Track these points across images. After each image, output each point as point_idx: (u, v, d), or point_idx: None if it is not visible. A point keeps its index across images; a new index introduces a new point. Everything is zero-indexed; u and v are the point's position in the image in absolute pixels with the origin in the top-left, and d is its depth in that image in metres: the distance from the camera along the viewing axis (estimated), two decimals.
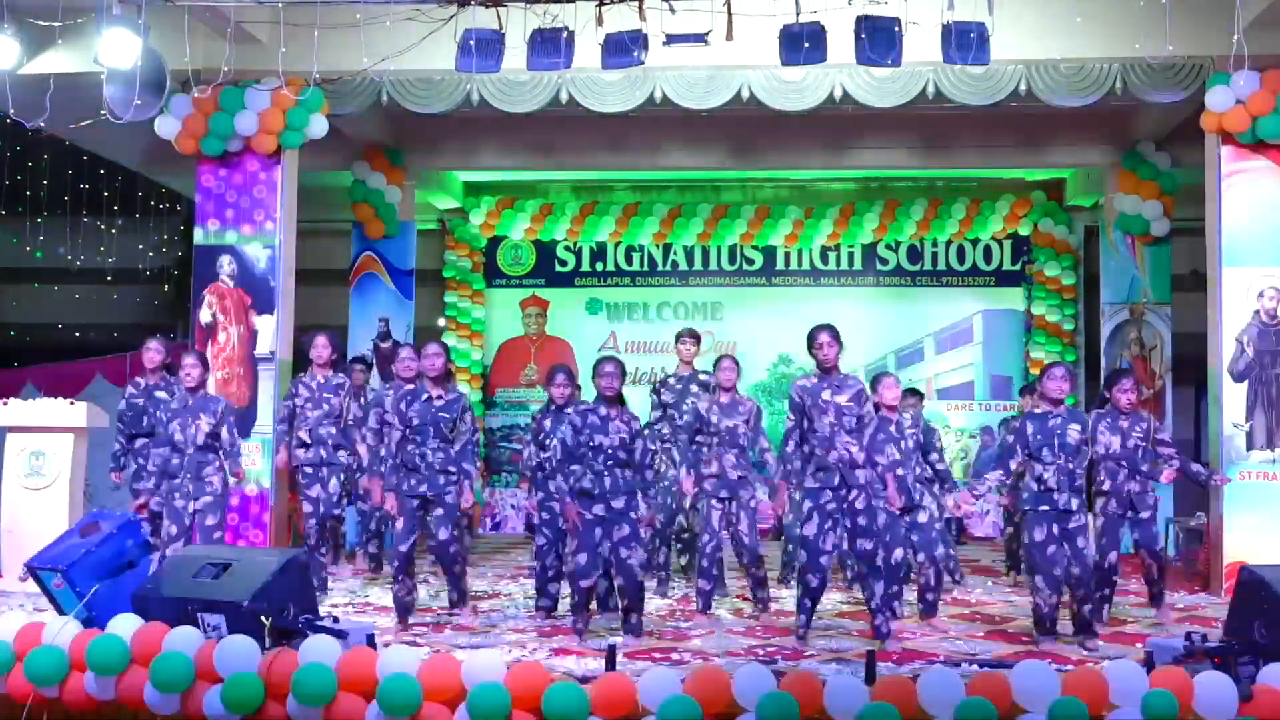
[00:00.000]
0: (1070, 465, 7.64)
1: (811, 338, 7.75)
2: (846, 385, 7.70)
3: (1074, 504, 7.61)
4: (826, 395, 7.63)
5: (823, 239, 15.45)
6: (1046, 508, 7.60)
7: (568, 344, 15.75)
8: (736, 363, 8.88)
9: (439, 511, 7.99)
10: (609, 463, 7.60)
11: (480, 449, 12.77)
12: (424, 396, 8.10)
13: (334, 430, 9.48)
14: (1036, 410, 7.92)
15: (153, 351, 9.84)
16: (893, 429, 8.38)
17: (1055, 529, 7.58)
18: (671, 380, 9.89)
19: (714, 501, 8.58)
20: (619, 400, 7.75)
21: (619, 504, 7.59)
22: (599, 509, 7.57)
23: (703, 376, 9.73)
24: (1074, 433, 7.68)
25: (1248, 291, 10.32)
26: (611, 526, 7.58)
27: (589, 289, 16.13)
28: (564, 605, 8.45)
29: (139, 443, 9.79)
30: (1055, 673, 5.46)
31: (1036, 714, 5.27)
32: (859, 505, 7.56)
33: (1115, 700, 5.36)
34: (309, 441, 9.46)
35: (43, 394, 12.84)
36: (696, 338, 9.99)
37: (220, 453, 8.53)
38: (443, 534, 8.01)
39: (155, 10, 9.63)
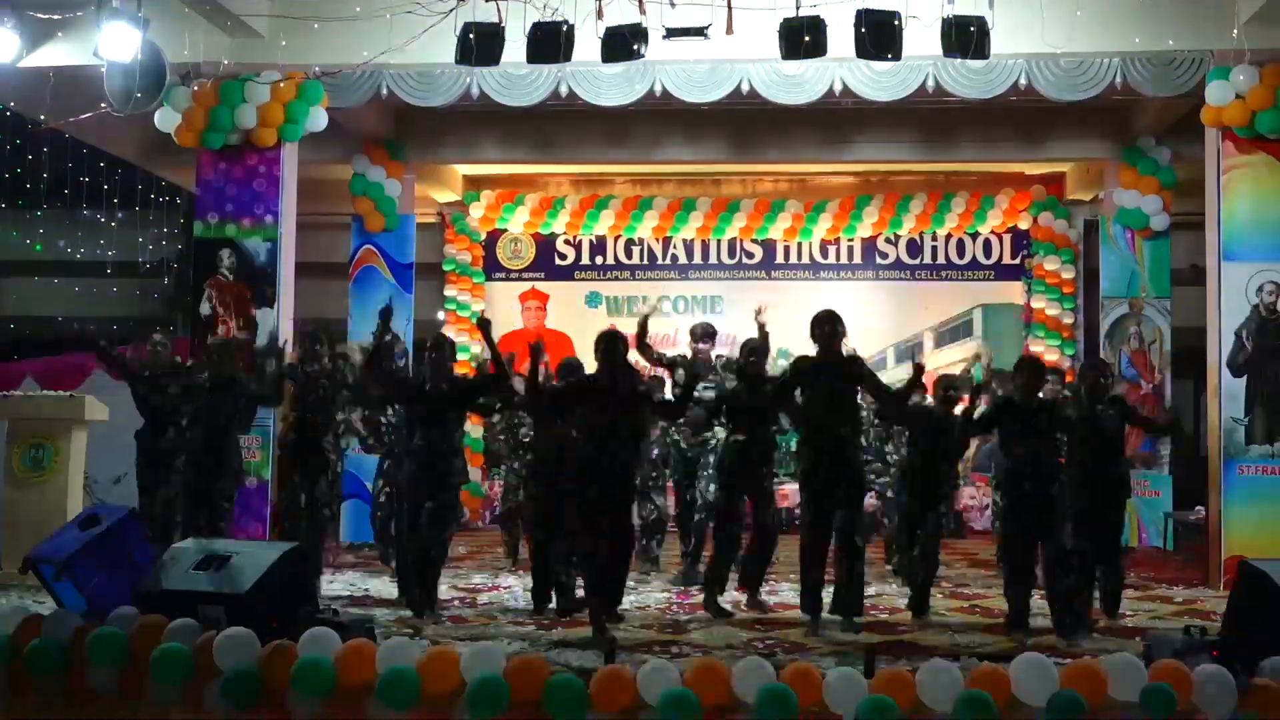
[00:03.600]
0: (1049, 457, 7.64)
1: (815, 322, 7.87)
2: (844, 368, 7.77)
3: (1053, 491, 7.64)
4: (824, 378, 7.70)
5: (822, 233, 15.47)
6: (1020, 493, 7.61)
7: (567, 337, 15.75)
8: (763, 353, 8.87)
9: (429, 505, 7.97)
10: (610, 435, 7.60)
11: (479, 442, 12.76)
12: (425, 386, 8.13)
13: (322, 417, 9.47)
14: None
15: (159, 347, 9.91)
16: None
17: (1033, 519, 7.57)
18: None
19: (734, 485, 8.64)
20: (623, 374, 7.76)
21: (621, 475, 7.62)
22: (603, 480, 7.58)
23: (716, 359, 9.81)
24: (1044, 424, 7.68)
25: (1247, 286, 10.33)
26: (612, 497, 7.58)
27: (589, 282, 16.15)
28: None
29: (146, 439, 9.85)
30: (1054, 666, 5.46)
31: (1035, 707, 5.27)
32: (844, 487, 7.62)
33: (1114, 694, 5.36)
34: (297, 424, 9.47)
35: (42, 387, 12.84)
36: (712, 336, 9.99)
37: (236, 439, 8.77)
38: (432, 532, 8.00)
39: (154, 3, 9.64)
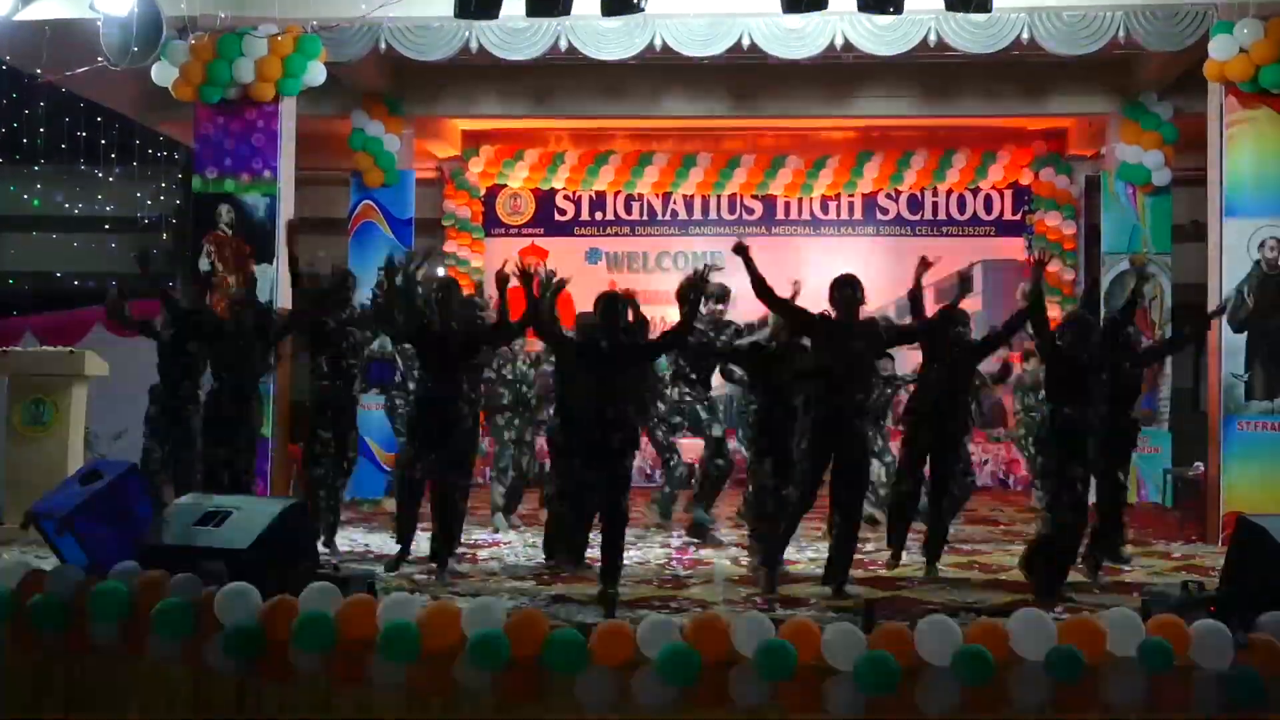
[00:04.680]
0: (1093, 411, 7.61)
1: (840, 287, 7.71)
2: (863, 333, 7.72)
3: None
4: (846, 342, 7.62)
5: (823, 188, 15.43)
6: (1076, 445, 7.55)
7: (567, 293, 15.71)
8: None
9: (443, 454, 7.99)
10: (612, 393, 7.54)
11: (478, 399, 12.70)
12: (436, 330, 8.12)
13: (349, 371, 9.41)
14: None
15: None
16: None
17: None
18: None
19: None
20: (627, 334, 7.70)
21: (619, 440, 7.51)
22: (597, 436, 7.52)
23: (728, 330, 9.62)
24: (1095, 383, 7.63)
25: (1248, 242, 10.29)
26: (607, 465, 7.57)
27: (588, 238, 16.12)
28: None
29: (158, 390, 9.75)
30: (1052, 621, 5.49)
31: (1033, 662, 5.30)
32: (854, 455, 7.60)
33: (1112, 648, 5.38)
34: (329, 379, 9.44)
35: (42, 342, 12.83)
36: (727, 297, 9.66)
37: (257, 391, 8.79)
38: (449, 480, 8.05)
39: None
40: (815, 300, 7.96)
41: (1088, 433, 7.55)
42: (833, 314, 7.73)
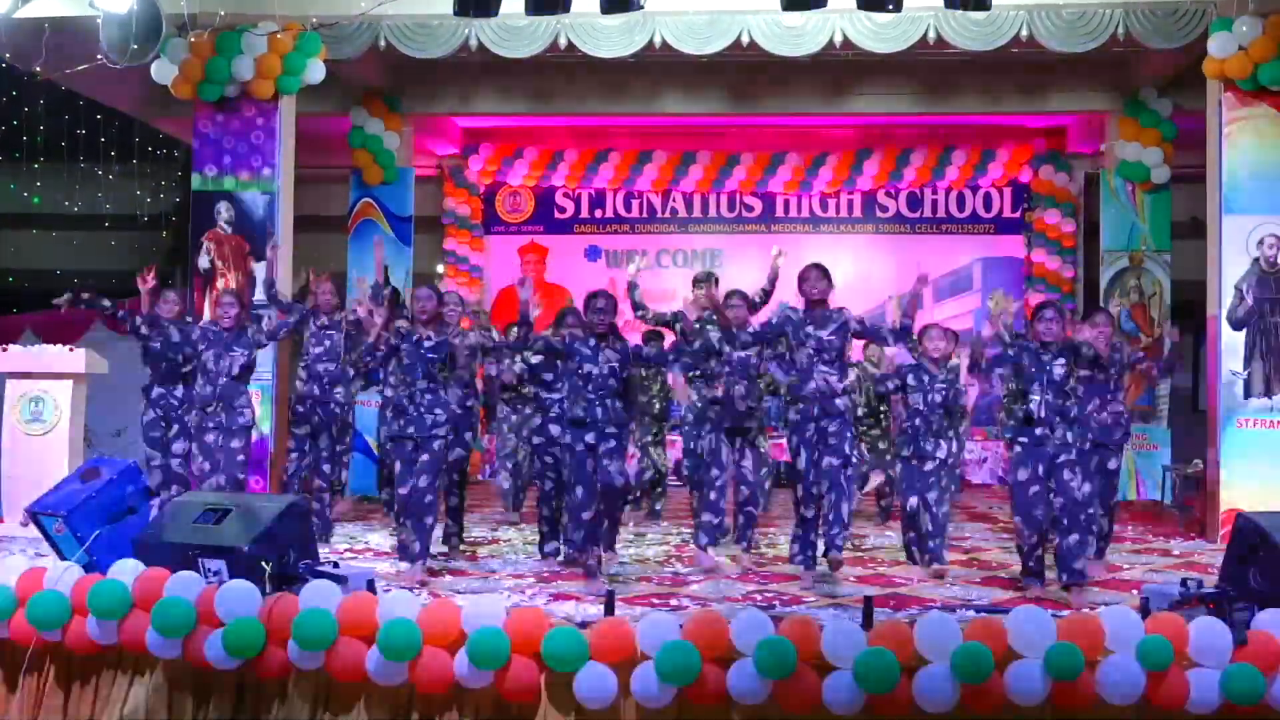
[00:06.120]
0: (1059, 401, 7.56)
1: (801, 275, 7.85)
2: (830, 319, 7.75)
3: (1068, 437, 7.55)
4: (809, 329, 7.70)
5: (823, 185, 15.43)
6: (1029, 441, 7.55)
7: (566, 291, 15.74)
8: (746, 298, 8.75)
9: (424, 457, 7.97)
10: (599, 392, 7.60)
11: (479, 396, 12.73)
12: (414, 338, 8.10)
13: (332, 367, 9.43)
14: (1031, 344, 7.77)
15: (170, 303, 9.76)
16: (925, 379, 8.36)
17: (1040, 468, 7.51)
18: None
19: (720, 435, 8.52)
20: (611, 332, 7.76)
21: (610, 431, 7.59)
22: (590, 437, 7.55)
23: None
24: (1059, 367, 7.59)
25: (1247, 239, 10.28)
26: (600, 446, 7.58)
27: (588, 236, 16.13)
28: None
29: (155, 392, 9.69)
30: (1051, 618, 5.49)
31: (1032, 659, 5.30)
32: (831, 429, 7.63)
33: (1110, 645, 5.39)
34: (305, 377, 9.48)
35: (42, 340, 12.83)
36: (715, 282, 9.86)
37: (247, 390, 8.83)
38: (422, 480, 7.98)
39: None
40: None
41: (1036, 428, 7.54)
42: (801, 305, 7.88)
